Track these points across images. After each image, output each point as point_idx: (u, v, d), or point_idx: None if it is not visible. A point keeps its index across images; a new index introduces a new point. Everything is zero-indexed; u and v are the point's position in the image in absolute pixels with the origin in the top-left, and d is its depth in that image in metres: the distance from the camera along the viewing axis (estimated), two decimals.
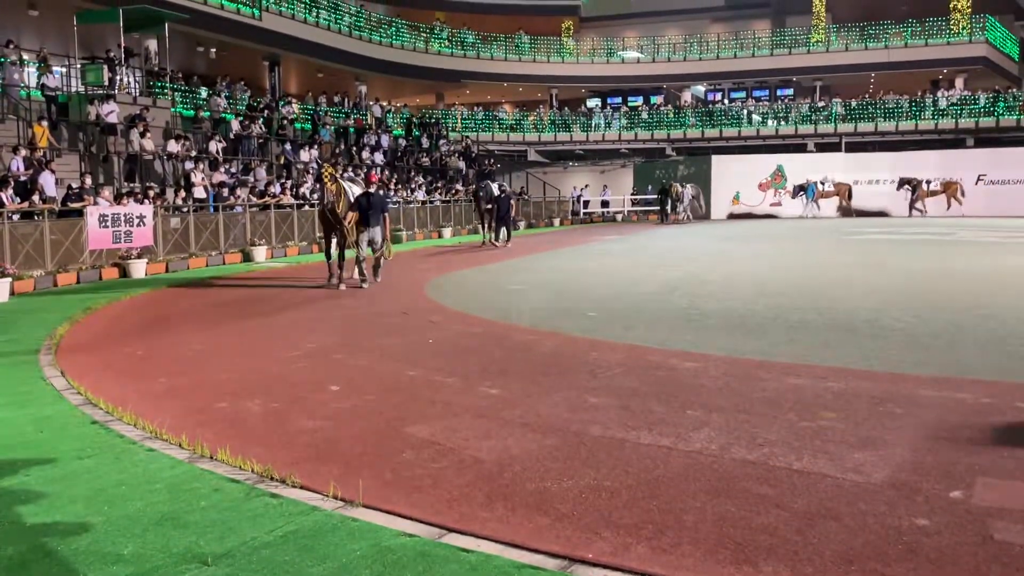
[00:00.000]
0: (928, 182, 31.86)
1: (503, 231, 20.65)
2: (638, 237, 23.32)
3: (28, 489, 3.97)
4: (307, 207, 20.96)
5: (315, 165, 24.19)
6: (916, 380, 5.79)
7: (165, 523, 3.52)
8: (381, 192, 12.86)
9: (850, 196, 33.12)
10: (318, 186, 12.25)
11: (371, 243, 11.75)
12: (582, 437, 4.61)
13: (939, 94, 36.02)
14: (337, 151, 27.15)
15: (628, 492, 3.78)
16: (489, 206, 20.70)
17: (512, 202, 21.23)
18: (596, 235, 25.27)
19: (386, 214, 11.90)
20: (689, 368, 6.30)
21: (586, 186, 37.54)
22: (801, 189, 33.30)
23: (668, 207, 31.58)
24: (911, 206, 31.85)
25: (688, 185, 32.78)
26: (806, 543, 3.22)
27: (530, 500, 3.71)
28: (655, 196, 33.34)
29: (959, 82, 37.07)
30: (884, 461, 4.12)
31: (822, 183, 33.30)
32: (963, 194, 31.70)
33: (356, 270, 12.13)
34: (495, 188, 21.12)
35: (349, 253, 12.61)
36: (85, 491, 3.92)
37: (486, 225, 21.33)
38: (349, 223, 11.71)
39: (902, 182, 31.85)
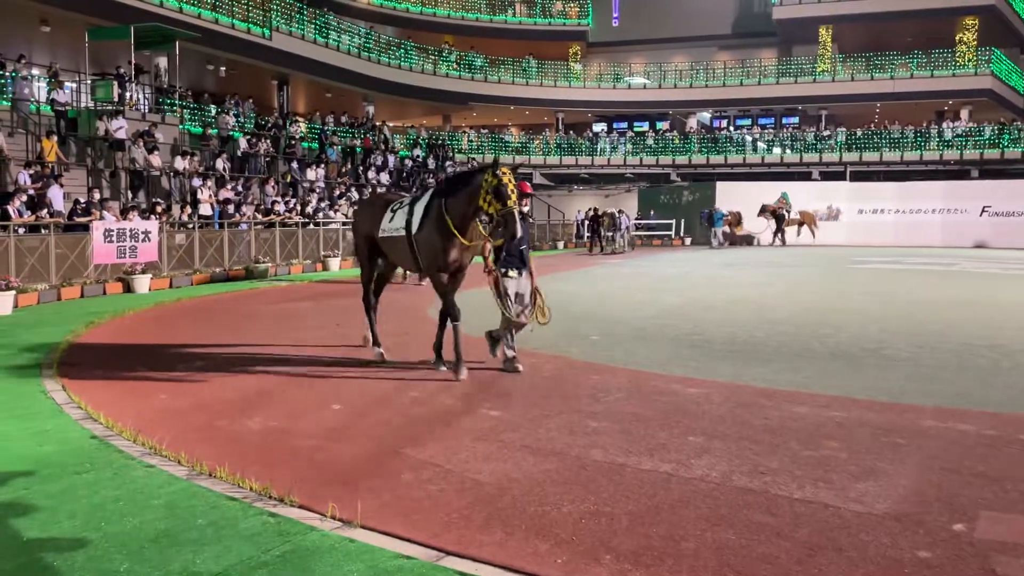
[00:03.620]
0: (788, 212, 32.19)
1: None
2: (640, 262, 23.33)
3: (26, 503, 3.95)
4: (311, 225, 21.00)
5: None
6: (919, 411, 5.76)
7: (162, 540, 3.50)
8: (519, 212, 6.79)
9: (740, 223, 33.12)
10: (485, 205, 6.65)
11: (518, 298, 7.37)
12: (583, 461, 4.59)
13: (944, 125, 36.19)
14: (344, 170, 27.28)
15: (628, 518, 3.76)
16: None
17: None
18: (599, 259, 25.28)
19: (526, 247, 7.37)
20: (691, 394, 6.28)
21: (590, 210, 37.59)
22: (710, 216, 31.67)
23: (603, 234, 29.37)
24: (775, 234, 31.98)
25: (623, 213, 31.32)
26: (807, 574, 3.19)
27: (529, 524, 3.69)
28: (586, 222, 31.23)
29: (964, 114, 37.26)
30: (886, 492, 4.10)
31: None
32: (817, 224, 32.39)
33: (501, 344, 7.51)
34: None
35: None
36: (83, 506, 3.91)
37: None
38: (490, 272, 7.33)
39: (762, 210, 31.95)
